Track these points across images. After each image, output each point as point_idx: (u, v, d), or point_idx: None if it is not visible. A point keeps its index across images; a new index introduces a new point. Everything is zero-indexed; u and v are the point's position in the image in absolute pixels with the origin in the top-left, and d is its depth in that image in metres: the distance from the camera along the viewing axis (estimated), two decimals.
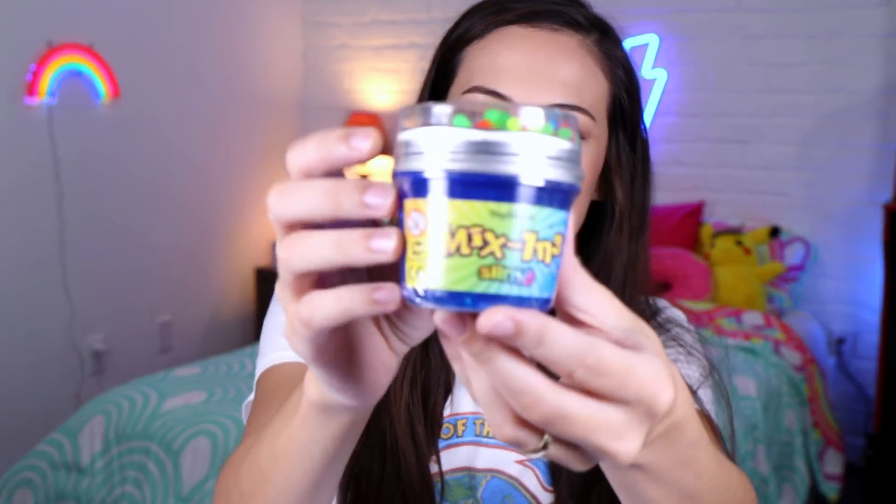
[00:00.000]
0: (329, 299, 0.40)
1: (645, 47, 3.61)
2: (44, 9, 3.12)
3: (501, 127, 0.36)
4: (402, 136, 0.38)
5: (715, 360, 0.90)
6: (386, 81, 4.24)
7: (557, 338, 0.37)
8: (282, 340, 0.84)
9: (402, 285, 0.39)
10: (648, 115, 3.63)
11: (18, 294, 3.09)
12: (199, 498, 2.02)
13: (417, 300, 0.38)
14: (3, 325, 3.03)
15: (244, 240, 4.13)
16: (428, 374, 0.83)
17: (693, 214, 3.49)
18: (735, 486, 0.58)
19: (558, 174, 0.37)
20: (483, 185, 0.36)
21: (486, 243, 0.36)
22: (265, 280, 4.07)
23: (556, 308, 0.41)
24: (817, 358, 3.10)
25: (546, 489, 0.84)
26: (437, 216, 0.37)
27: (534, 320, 0.36)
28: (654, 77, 3.61)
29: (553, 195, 0.37)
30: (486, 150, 0.36)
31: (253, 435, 0.62)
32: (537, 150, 0.36)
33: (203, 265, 3.92)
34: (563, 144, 0.37)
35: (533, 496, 0.84)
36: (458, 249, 0.37)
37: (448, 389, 0.85)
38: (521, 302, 0.37)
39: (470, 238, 0.36)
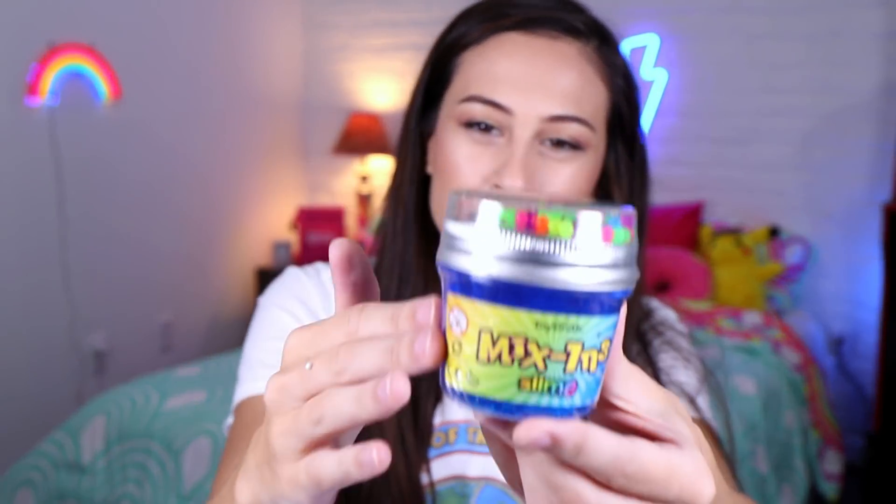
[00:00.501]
0: (332, 461, 0.39)
1: (645, 48, 3.61)
2: (45, 9, 3.13)
3: (554, 233, 0.33)
4: (450, 227, 0.36)
5: (710, 360, 0.90)
6: (386, 82, 4.24)
7: (597, 447, 0.36)
8: (260, 370, 0.82)
9: (440, 376, 0.38)
10: (648, 116, 3.63)
11: (20, 294, 3.09)
12: (200, 497, 2.02)
13: (455, 398, 0.37)
14: (4, 325, 3.04)
15: (245, 240, 4.14)
16: (417, 382, 0.80)
17: (693, 214, 3.50)
18: None
19: (611, 283, 0.34)
20: (529, 295, 0.34)
21: (528, 354, 0.35)
22: (266, 280, 4.07)
23: None
24: (817, 358, 3.10)
25: None
26: (479, 320, 0.35)
27: (573, 433, 0.35)
28: (653, 77, 3.62)
29: (603, 303, 0.35)
30: (535, 259, 0.33)
31: (225, 485, 0.58)
32: (590, 259, 0.34)
33: (204, 265, 3.92)
34: (618, 253, 0.34)
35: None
36: (499, 357, 0.35)
37: (438, 397, 0.83)
38: (561, 412, 0.36)
39: (512, 348, 0.35)
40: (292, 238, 4.32)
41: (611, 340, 0.37)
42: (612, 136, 0.82)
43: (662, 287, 3.26)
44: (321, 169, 4.47)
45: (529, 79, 0.75)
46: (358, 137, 4.06)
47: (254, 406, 0.80)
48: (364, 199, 4.20)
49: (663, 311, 0.92)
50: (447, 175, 0.78)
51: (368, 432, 0.81)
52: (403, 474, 0.79)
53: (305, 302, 0.87)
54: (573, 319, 0.34)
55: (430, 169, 0.83)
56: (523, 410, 0.35)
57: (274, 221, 4.32)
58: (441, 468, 0.82)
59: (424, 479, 0.80)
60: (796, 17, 3.43)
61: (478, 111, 0.76)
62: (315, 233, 4.09)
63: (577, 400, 0.36)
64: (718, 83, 3.59)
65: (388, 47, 4.23)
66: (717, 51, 3.57)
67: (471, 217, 0.35)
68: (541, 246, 0.33)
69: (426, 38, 0.86)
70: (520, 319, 0.34)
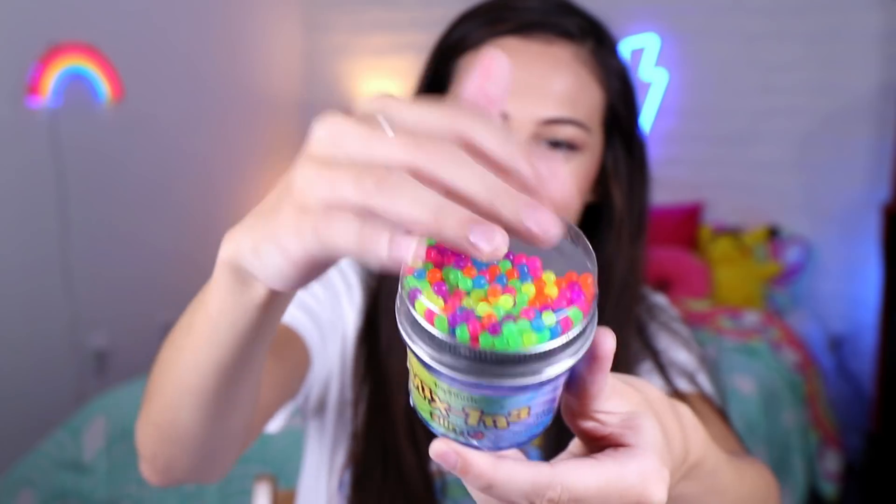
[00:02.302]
0: (352, 230, 0.34)
1: (644, 48, 3.62)
2: (46, 9, 3.13)
3: (488, 345, 0.34)
4: (413, 314, 0.36)
5: (708, 358, 0.92)
6: (386, 82, 4.25)
7: (508, 478, 0.37)
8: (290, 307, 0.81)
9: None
10: (648, 116, 3.64)
11: (21, 294, 3.10)
12: (201, 496, 2.03)
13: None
14: (5, 325, 3.04)
15: None
16: None
17: (692, 214, 3.50)
18: (757, 487, 0.61)
19: (524, 380, 0.36)
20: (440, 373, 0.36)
21: (433, 399, 0.38)
22: None
23: (578, 412, 0.41)
24: (816, 357, 3.11)
25: None
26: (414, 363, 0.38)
27: (480, 460, 0.37)
28: (653, 77, 3.62)
29: (517, 390, 0.36)
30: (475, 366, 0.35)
31: None
32: (512, 365, 0.35)
33: (205, 265, 3.93)
34: (545, 349, 0.35)
35: None
36: (420, 394, 0.39)
37: None
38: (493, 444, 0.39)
39: (423, 389, 0.38)
40: None
41: (531, 406, 0.38)
42: (609, 135, 0.84)
43: (662, 287, 3.26)
44: None
45: (526, 84, 0.77)
46: None
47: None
48: None
49: (655, 297, 0.94)
50: None
51: (379, 426, 0.83)
52: (414, 466, 0.81)
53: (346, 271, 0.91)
54: (478, 398, 0.36)
55: None
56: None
57: None
58: None
59: (433, 466, 0.83)
60: (796, 18, 3.44)
61: None
62: None
63: (486, 444, 0.38)
64: (718, 83, 3.59)
65: (388, 47, 4.24)
66: (717, 51, 3.58)
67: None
68: (466, 352, 0.35)
69: (426, 38, 0.86)
70: (437, 383, 0.37)
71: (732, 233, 3.38)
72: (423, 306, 0.35)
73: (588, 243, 0.38)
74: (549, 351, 0.35)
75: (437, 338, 0.35)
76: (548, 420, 0.40)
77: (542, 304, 0.36)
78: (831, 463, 2.97)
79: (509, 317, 0.35)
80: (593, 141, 0.81)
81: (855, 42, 3.35)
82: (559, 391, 0.40)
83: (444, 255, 0.37)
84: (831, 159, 3.43)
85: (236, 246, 0.41)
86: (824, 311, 3.47)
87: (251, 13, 4.12)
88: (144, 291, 3.58)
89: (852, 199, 3.39)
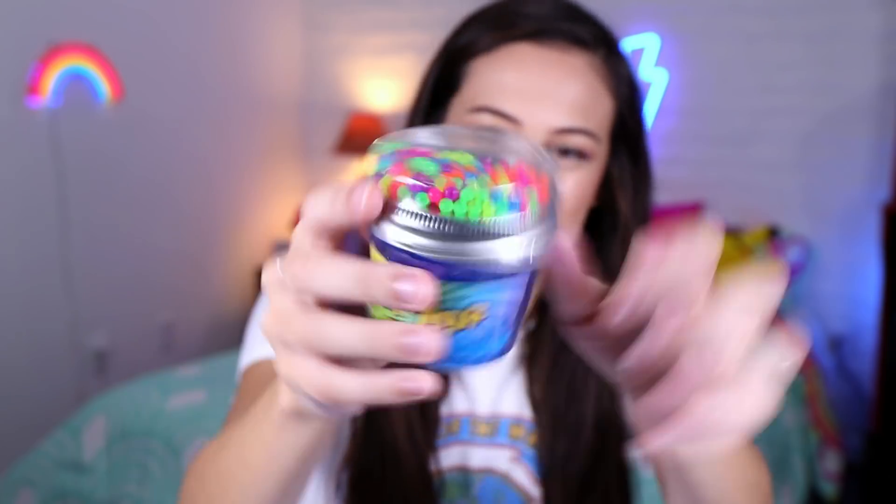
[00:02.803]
0: (356, 384, 0.39)
1: (644, 48, 3.62)
2: (46, 9, 3.13)
3: (447, 212, 0.35)
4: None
5: None
6: (386, 82, 4.25)
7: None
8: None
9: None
10: (649, 117, 3.63)
11: (21, 294, 3.10)
12: None
13: None
14: (5, 325, 3.04)
15: (246, 240, 4.14)
16: None
17: (692, 214, 3.50)
18: (762, 474, 0.62)
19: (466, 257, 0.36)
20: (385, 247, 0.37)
21: None
22: None
23: None
24: (816, 357, 3.11)
25: (537, 482, 0.85)
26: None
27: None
28: (654, 77, 3.62)
29: (456, 274, 0.36)
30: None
31: (225, 433, 0.60)
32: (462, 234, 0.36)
33: (205, 265, 3.93)
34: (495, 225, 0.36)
35: (523, 490, 0.85)
36: None
37: (444, 390, 0.85)
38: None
39: None
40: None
41: (489, 305, 0.38)
42: (615, 143, 0.84)
43: None
44: (321, 169, 4.48)
45: (539, 90, 0.76)
46: (358, 138, 4.07)
47: (262, 368, 0.81)
48: None
49: None
50: None
51: (378, 426, 0.83)
52: (413, 466, 0.81)
53: None
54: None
55: None
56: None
57: (274, 221, 4.32)
58: (445, 458, 0.84)
59: (432, 466, 0.83)
60: (796, 18, 3.44)
61: (486, 122, 0.77)
62: None
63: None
64: (718, 83, 3.59)
65: (388, 47, 4.24)
66: (717, 51, 3.58)
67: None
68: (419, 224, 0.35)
69: (426, 38, 0.86)
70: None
71: (732, 233, 3.38)
72: (388, 180, 0.36)
73: (551, 159, 0.40)
74: (508, 228, 0.35)
75: (399, 210, 0.36)
76: (503, 342, 0.39)
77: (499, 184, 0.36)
78: (831, 463, 2.97)
79: (468, 186, 0.35)
80: (601, 149, 0.81)
81: (855, 42, 3.35)
82: (515, 307, 0.39)
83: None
84: (831, 159, 3.43)
85: (292, 395, 0.45)
86: (824, 310, 3.47)
87: (251, 13, 4.12)
88: (144, 291, 3.58)
89: (852, 199, 3.39)
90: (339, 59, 4.38)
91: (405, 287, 0.35)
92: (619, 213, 0.85)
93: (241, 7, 4.05)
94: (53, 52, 3.13)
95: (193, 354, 3.76)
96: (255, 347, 0.83)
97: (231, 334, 4.05)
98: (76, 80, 3.25)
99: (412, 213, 0.35)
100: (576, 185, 0.79)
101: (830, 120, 3.42)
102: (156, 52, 3.60)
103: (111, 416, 2.21)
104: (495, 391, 0.87)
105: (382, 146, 0.38)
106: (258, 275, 4.15)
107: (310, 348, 0.39)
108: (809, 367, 2.99)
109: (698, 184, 3.62)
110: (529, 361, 0.86)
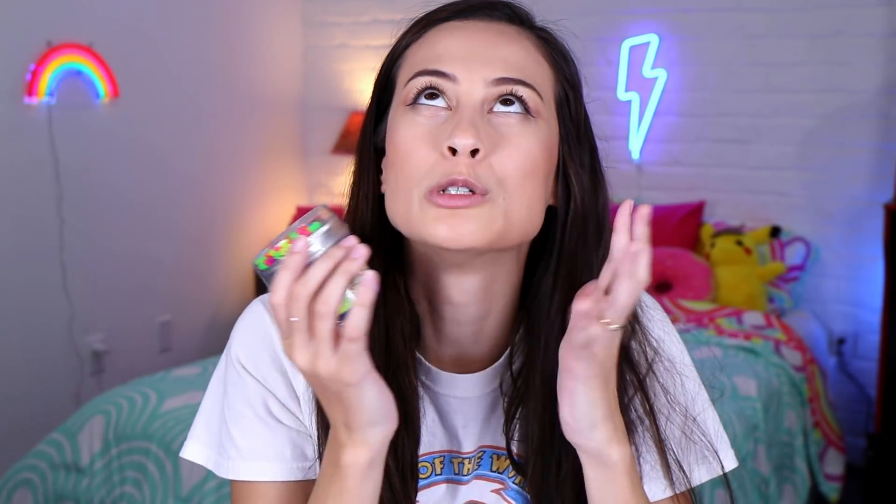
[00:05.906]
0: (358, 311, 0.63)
1: (645, 47, 3.60)
2: (43, 8, 3.12)
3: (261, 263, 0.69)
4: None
5: (708, 360, 0.91)
6: None
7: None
8: (258, 442, 0.81)
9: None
10: (648, 116, 3.62)
11: (18, 294, 3.09)
12: (199, 499, 2.01)
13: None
14: (2, 325, 3.03)
15: (244, 240, 4.13)
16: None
17: (693, 214, 3.49)
18: None
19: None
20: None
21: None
22: None
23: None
24: (818, 358, 3.09)
25: None
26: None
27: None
28: (653, 77, 3.60)
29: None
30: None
31: None
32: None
33: (203, 265, 3.92)
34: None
35: None
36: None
37: (415, 430, 0.79)
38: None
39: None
40: None
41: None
42: (561, 121, 0.78)
43: (663, 287, 3.25)
44: (321, 169, 4.46)
45: (471, 51, 0.75)
46: (358, 137, 4.05)
47: (263, 492, 0.80)
48: None
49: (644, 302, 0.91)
50: (401, 162, 0.75)
51: None
52: (394, 460, 0.76)
53: (276, 352, 0.86)
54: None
55: (384, 188, 0.80)
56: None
57: (273, 221, 4.31)
58: (429, 498, 0.82)
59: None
60: (797, 17, 3.42)
61: (421, 82, 0.75)
62: None
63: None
64: (719, 83, 3.58)
65: (388, 47, 4.21)
66: (718, 50, 3.56)
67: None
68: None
69: None
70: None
71: (734, 233, 3.36)
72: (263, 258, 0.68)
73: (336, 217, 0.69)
74: (277, 264, 0.66)
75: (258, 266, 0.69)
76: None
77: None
78: (834, 464, 2.96)
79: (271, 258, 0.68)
80: (548, 115, 0.76)
81: (857, 40, 3.33)
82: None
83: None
84: (833, 159, 3.41)
85: (363, 439, 0.69)
86: (826, 311, 3.45)
87: (250, 12, 4.10)
88: (142, 292, 3.57)
89: (854, 199, 3.38)
90: (338, 58, 4.37)
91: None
92: (573, 207, 0.78)
93: (241, 6, 4.04)
94: (51, 51, 3.13)
95: (191, 355, 3.75)
96: (252, 459, 0.81)
97: (229, 334, 4.03)
98: (73, 79, 3.24)
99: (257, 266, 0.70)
100: (529, 149, 0.73)
101: (833, 119, 3.41)
102: (154, 52, 3.58)
103: (108, 417, 2.20)
104: (479, 426, 0.83)
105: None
106: (257, 275, 4.12)
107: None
108: (812, 367, 2.98)
109: (699, 184, 3.61)
110: (512, 396, 0.81)
